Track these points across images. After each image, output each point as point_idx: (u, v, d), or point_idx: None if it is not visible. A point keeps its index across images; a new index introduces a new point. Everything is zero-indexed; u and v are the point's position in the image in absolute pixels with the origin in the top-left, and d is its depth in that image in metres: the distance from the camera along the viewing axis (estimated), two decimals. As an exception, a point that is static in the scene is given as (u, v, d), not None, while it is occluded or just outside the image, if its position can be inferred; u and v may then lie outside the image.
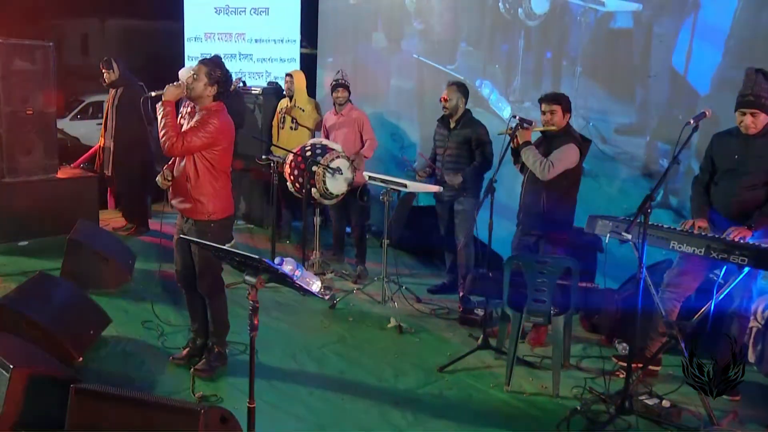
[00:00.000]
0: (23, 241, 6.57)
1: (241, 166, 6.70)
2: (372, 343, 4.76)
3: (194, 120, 3.85)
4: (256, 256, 2.59)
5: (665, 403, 3.80)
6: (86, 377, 3.92)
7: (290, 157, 5.79)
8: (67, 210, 6.66)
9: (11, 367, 3.19)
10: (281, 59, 7.89)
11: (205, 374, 4.12)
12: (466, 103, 5.38)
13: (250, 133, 6.60)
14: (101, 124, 12.34)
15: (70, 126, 11.17)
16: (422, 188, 5.31)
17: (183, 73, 6.91)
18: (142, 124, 6.86)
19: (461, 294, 5.50)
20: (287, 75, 6.77)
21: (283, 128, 6.69)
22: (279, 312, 5.29)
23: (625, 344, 4.67)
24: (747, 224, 3.78)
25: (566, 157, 4.53)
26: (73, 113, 11.68)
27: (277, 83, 7.39)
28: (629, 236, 3.77)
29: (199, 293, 4.25)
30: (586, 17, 5.60)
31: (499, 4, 6.41)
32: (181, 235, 3.30)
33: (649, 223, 3.63)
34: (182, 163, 3.93)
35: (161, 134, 3.80)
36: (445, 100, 5.34)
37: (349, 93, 6.17)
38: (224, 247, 2.73)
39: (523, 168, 4.80)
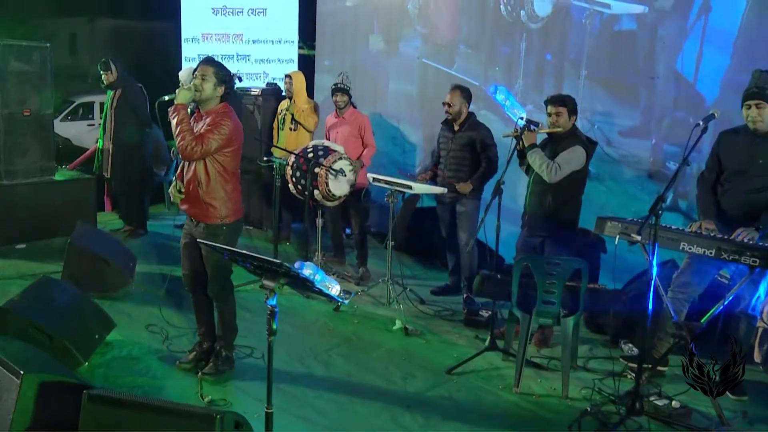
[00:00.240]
0: (20, 244, 6.49)
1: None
2: (378, 346, 4.75)
3: (205, 123, 3.81)
4: (278, 261, 2.56)
5: (675, 404, 3.81)
6: (93, 382, 3.90)
7: (292, 158, 5.77)
8: (64, 212, 6.59)
9: (22, 373, 3.14)
10: (279, 60, 7.85)
11: (213, 378, 4.09)
12: (469, 107, 5.38)
13: (250, 134, 6.55)
14: (92, 125, 12.38)
15: (60, 127, 11.06)
16: (426, 190, 5.31)
17: (183, 75, 6.88)
18: (141, 126, 6.86)
19: (465, 295, 5.50)
20: (286, 76, 6.74)
21: (282, 129, 6.66)
22: (283, 314, 5.15)
23: (630, 345, 4.68)
24: (755, 225, 3.80)
25: (573, 159, 4.53)
26: (63, 114, 11.58)
27: (275, 84, 7.35)
28: (639, 238, 3.80)
29: (207, 297, 4.22)
30: (591, 19, 5.60)
31: (501, 6, 6.41)
32: (199, 240, 3.25)
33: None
34: (192, 167, 3.89)
35: (178, 138, 3.75)
36: (449, 105, 5.33)
37: (350, 97, 6.15)
38: (245, 251, 2.70)
39: (529, 170, 4.80)
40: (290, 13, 7.89)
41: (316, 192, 5.59)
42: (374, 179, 5.38)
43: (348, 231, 6.76)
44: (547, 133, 4.69)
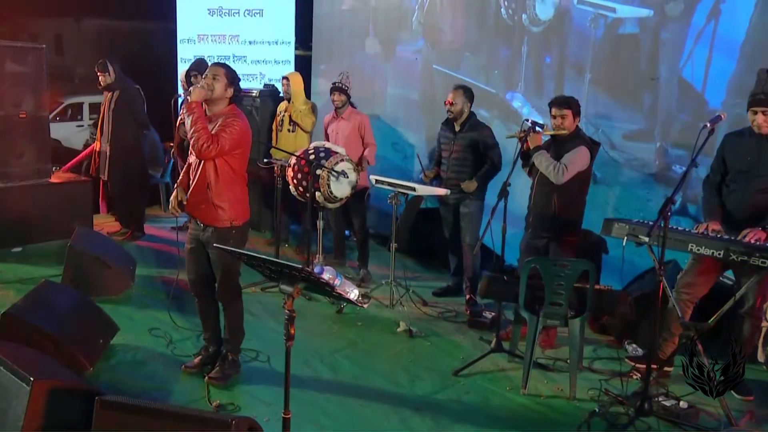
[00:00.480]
0: (17, 248, 6.43)
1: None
2: (384, 348, 4.74)
3: (216, 124, 3.78)
4: (299, 266, 2.55)
5: (683, 404, 3.83)
6: (98, 387, 3.85)
7: (293, 160, 5.74)
8: (60, 215, 6.55)
9: (32, 379, 3.10)
10: (276, 61, 7.82)
11: (220, 382, 4.07)
12: (471, 107, 5.38)
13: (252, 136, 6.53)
14: (81, 126, 12.28)
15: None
16: (430, 191, 5.30)
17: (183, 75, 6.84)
18: (139, 128, 6.81)
19: (468, 296, 5.50)
20: (284, 78, 6.72)
21: (281, 131, 6.64)
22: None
23: (635, 345, 4.71)
24: (761, 225, 3.83)
25: (578, 159, 4.55)
26: (51, 115, 11.46)
27: (273, 85, 7.32)
28: (647, 239, 3.81)
29: (214, 301, 4.20)
30: (595, 23, 5.61)
31: (501, 10, 6.42)
32: (216, 245, 3.22)
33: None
34: (200, 170, 3.86)
35: (193, 136, 3.71)
36: (451, 104, 5.33)
37: (348, 97, 6.13)
38: (264, 256, 2.68)
39: (531, 171, 4.82)
40: (287, 14, 7.87)
41: (317, 194, 5.57)
42: (377, 181, 5.37)
43: (347, 233, 6.74)
44: (551, 135, 4.70)
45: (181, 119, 6.78)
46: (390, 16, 7.61)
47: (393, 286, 5.40)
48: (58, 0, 11.22)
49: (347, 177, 5.57)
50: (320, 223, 5.96)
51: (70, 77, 13.58)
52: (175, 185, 4.11)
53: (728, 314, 3.94)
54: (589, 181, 4.75)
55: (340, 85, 5.99)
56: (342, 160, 5.60)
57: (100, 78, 6.59)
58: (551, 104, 4.70)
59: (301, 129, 6.58)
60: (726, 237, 3.80)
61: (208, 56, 7.67)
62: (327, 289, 2.58)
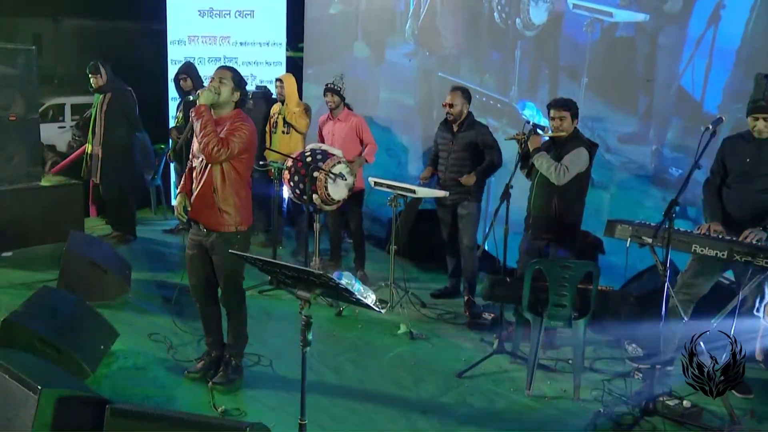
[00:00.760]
0: (6, 252, 6.34)
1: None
2: (386, 350, 4.74)
3: (224, 128, 3.75)
4: (319, 271, 2.54)
5: (686, 403, 3.87)
6: (101, 394, 3.81)
7: (289, 162, 5.72)
8: (51, 219, 6.48)
9: (39, 388, 3.06)
10: (267, 62, 7.77)
11: (224, 387, 4.04)
12: (469, 107, 5.40)
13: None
14: (63, 127, 12.12)
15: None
16: (429, 193, 5.31)
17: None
18: (131, 130, 6.75)
19: (467, 298, 5.52)
20: (277, 80, 6.70)
21: (275, 133, 6.61)
22: (285, 320, 5.21)
23: (634, 345, 4.74)
24: (761, 225, 3.88)
25: (578, 160, 4.59)
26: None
27: (266, 87, 7.29)
28: (650, 240, 3.85)
29: (215, 306, 4.18)
30: (591, 27, 5.65)
31: (494, 14, 6.44)
32: (231, 251, 3.19)
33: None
34: (206, 174, 3.82)
35: (203, 139, 3.67)
36: (450, 106, 5.34)
37: (342, 98, 6.11)
38: (281, 262, 2.67)
39: (530, 173, 4.84)
40: (278, 15, 7.82)
41: (315, 196, 5.55)
42: (376, 183, 5.36)
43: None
44: (550, 137, 4.73)
45: (177, 122, 6.79)
46: (378, 20, 7.60)
47: (393, 288, 5.39)
48: (37, -1, 11.06)
49: (345, 179, 5.56)
50: (317, 226, 5.95)
51: (49, 78, 13.39)
52: (178, 191, 4.07)
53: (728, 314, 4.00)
54: (588, 182, 4.79)
55: (332, 86, 5.97)
56: (339, 162, 5.59)
57: (91, 80, 6.51)
58: (550, 106, 4.73)
59: (296, 131, 6.56)
60: (728, 238, 3.85)
61: (199, 58, 7.62)
62: (345, 294, 2.57)
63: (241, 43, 7.82)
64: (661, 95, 5.35)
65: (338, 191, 5.61)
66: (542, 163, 4.62)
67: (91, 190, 7.52)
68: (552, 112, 4.68)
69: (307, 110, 6.59)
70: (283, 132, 6.59)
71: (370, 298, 2.56)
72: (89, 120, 8.56)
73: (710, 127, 3.72)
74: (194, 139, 3.85)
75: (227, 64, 3.98)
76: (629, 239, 3.93)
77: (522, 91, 6.36)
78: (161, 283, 5.89)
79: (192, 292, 4.18)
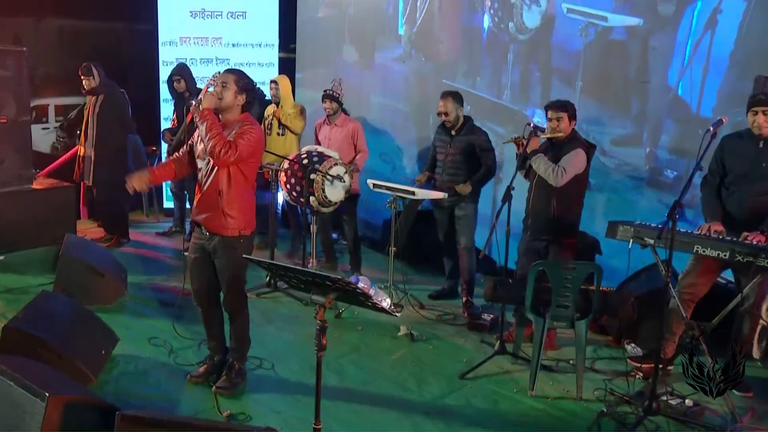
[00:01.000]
0: (-1, 256, 6.27)
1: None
2: (387, 352, 4.74)
3: (232, 132, 3.73)
4: (337, 276, 2.53)
5: (688, 402, 3.92)
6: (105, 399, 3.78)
7: (285, 164, 5.71)
8: (44, 222, 6.39)
9: (47, 395, 3.03)
10: (259, 64, 7.74)
11: (228, 392, 4.02)
12: (462, 110, 5.41)
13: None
14: (47, 128, 11.98)
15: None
16: (427, 195, 5.31)
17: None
18: (124, 132, 6.70)
19: (465, 299, 5.54)
20: (272, 82, 6.68)
21: (270, 135, 6.58)
22: (285, 323, 5.21)
23: (634, 344, 4.78)
24: (759, 229, 3.93)
25: (576, 162, 4.62)
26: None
27: (259, 88, 7.24)
28: (652, 241, 3.90)
29: (218, 310, 4.15)
30: (585, 31, 5.69)
31: (487, 18, 6.46)
32: (245, 256, 3.16)
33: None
34: (212, 177, 3.79)
35: (210, 142, 3.64)
36: (445, 114, 5.35)
37: (340, 104, 6.10)
38: (296, 266, 2.66)
39: (528, 174, 4.86)
40: (270, 16, 7.79)
41: (312, 198, 5.55)
42: (374, 185, 5.36)
43: (334, 235, 6.71)
44: (548, 138, 4.76)
45: (173, 124, 6.74)
46: (367, 23, 7.60)
47: (392, 289, 5.39)
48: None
49: (342, 181, 5.56)
50: (314, 228, 5.94)
51: (31, 78, 13.19)
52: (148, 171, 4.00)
53: (728, 313, 4.04)
54: (587, 184, 4.82)
55: (331, 92, 5.97)
56: (336, 164, 5.59)
57: (84, 82, 6.45)
58: (547, 107, 4.76)
59: (291, 132, 6.54)
60: (729, 238, 3.89)
61: (191, 59, 7.57)
62: (361, 298, 2.56)
63: (233, 45, 7.79)
64: (655, 98, 5.40)
65: (335, 193, 5.61)
66: (540, 164, 4.65)
67: (82, 192, 7.44)
68: (549, 113, 4.71)
69: (302, 112, 6.58)
70: (278, 134, 6.58)
71: (386, 302, 2.56)
72: (74, 121, 8.56)
73: (711, 128, 3.76)
74: (199, 141, 3.83)
75: (233, 67, 3.95)
76: (631, 240, 3.96)
77: (515, 95, 6.39)
78: (157, 287, 5.85)
79: (194, 296, 4.16)
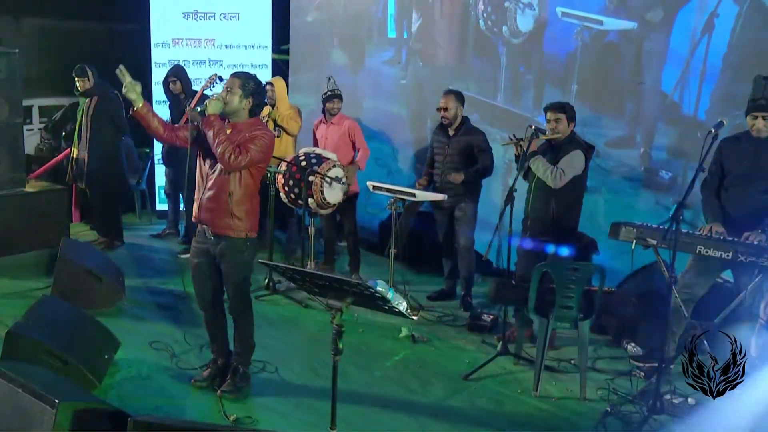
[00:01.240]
0: (-8, 260, 6.19)
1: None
2: (389, 354, 4.75)
3: (241, 136, 3.72)
4: (353, 280, 2.53)
5: (691, 401, 3.96)
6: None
7: (283, 166, 5.70)
8: (37, 225, 6.32)
9: (56, 401, 3.00)
10: (253, 65, 7.68)
11: (233, 396, 4.01)
12: (462, 110, 5.44)
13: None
14: (31, 129, 11.83)
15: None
16: (428, 197, 5.33)
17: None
18: (118, 135, 6.64)
19: (463, 293, 5.57)
20: (267, 83, 6.64)
21: (266, 136, 6.55)
22: (285, 325, 5.20)
23: (633, 344, 4.83)
24: (760, 228, 3.97)
25: (574, 163, 4.66)
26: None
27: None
28: (654, 242, 3.94)
29: (222, 314, 4.14)
30: (581, 35, 5.73)
31: (480, 21, 6.48)
32: (261, 261, 3.14)
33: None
34: (220, 179, 3.77)
35: (219, 149, 3.63)
36: (445, 109, 5.37)
37: (342, 100, 6.12)
38: (313, 271, 2.66)
39: (527, 175, 4.89)
40: (263, 17, 7.76)
41: (310, 200, 5.54)
42: (374, 187, 5.36)
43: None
44: (548, 140, 4.79)
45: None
46: (356, 27, 7.58)
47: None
48: None
49: (341, 183, 5.56)
50: (312, 230, 5.93)
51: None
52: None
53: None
54: (585, 185, 4.86)
55: (338, 91, 5.98)
56: (334, 166, 5.59)
57: (78, 83, 6.39)
58: (546, 109, 4.80)
59: (287, 134, 6.52)
60: (731, 239, 3.94)
61: (183, 60, 7.51)
62: (379, 302, 2.57)
63: (226, 46, 7.74)
64: (649, 100, 5.46)
65: (334, 195, 5.61)
66: (539, 166, 4.68)
67: (74, 194, 7.37)
68: (548, 114, 4.75)
69: (299, 113, 6.56)
70: (275, 135, 6.54)
71: (403, 306, 2.57)
72: (58, 122, 8.46)
73: (712, 130, 3.80)
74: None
75: (239, 71, 3.92)
76: (634, 241, 4.00)
77: (508, 98, 6.42)
78: (154, 290, 5.81)
79: (198, 301, 4.14)
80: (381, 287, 2.55)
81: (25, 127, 11.88)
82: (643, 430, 3.76)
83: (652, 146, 5.47)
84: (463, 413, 3.98)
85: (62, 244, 5.28)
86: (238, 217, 3.79)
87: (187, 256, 6.39)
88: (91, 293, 5.11)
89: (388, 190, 5.27)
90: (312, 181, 5.49)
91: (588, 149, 4.81)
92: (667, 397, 3.99)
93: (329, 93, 5.98)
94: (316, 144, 6.19)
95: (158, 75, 7.51)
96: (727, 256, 3.80)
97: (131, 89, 3.67)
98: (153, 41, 7.68)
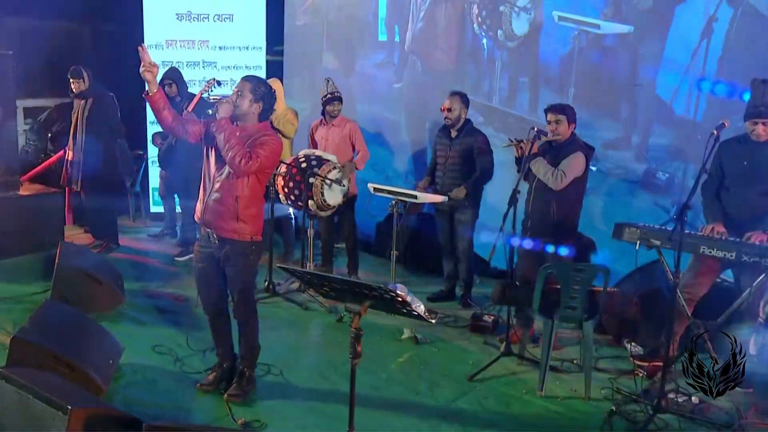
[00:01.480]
0: (-14, 264, 6.12)
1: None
2: (394, 356, 4.76)
3: (250, 140, 3.71)
4: (373, 284, 2.54)
5: (694, 399, 4.00)
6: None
7: (282, 168, 5.69)
8: (31, 228, 6.30)
9: (69, 408, 2.98)
10: (247, 67, 7.67)
11: (239, 399, 4.00)
12: (467, 113, 5.46)
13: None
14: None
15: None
16: (428, 199, 5.34)
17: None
18: (114, 137, 6.59)
19: (463, 293, 5.59)
20: (263, 84, 6.63)
21: (262, 138, 6.54)
22: (286, 328, 5.19)
23: (634, 343, 4.87)
24: (761, 228, 4.04)
25: (575, 165, 4.69)
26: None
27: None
28: (658, 242, 3.99)
29: (227, 317, 4.13)
30: (578, 39, 5.77)
31: (474, 25, 6.51)
32: (279, 265, 3.12)
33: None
34: (228, 181, 3.76)
35: (228, 153, 3.62)
36: (448, 110, 5.39)
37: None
38: (332, 275, 2.66)
39: (528, 176, 4.92)
40: (257, 18, 7.74)
41: (310, 202, 5.54)
42: (375, 189, 5.36)
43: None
44: (548, 141, 4.82)
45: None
46: (347, 31, 7.58)
47: (394, 293, 5.40)
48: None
49: (342, 185, 5.56)
50: (311, 232, 5.93)
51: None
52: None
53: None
54: (585, 186, 4.90)
55: (339, 94, 5.98)
56: (334, 168, 5.59)
57: (72, 85, 6.33)
58: (547, 110, 4.83)
59: (284, 136, 6.49)
60: (733, 239, 4.00)
61: (177, 62, 7.47)
62: (399, 306, 2.58)
63: (220, 47, 7.72)
64: (646, 102, 5.52)
65: (334, 196, 5.61)
66: (539, 168, 4.71)
67: (67, 197, 7.30)
68: (548, 116, 4.77)
69: (296, 115, 6.55)
70: (281, 141, 6.53)
71: (421, 308, 2.58)
72: (44, 123, 8.36)
73: (714, 131, 3.85)
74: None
75: (251, 75, 3.92)
76: (638, 242, 4.05)
77: (502, 100, 6.45)
78: (153, 293, 5.78)
79: (203, 305, 4.12)
80: (402, 291, 2.55)
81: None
82: (649, 429, 3.80)
83: (649, 148, 5.52)
84: (472, 414, 4.00)
85: (61, 248, 5.23)
86: (244, 221, 3.78)
87: (184, 258, 6.51)
88: (91, 297, 5.06)
89: (390, 192, 5.28)
90: (312, 183, 5.49)
91: (588, 150, 4.85)
92: (671, 395, 4.03)
93: (329, 95, 5.97)
94: (314, 146, 6.18)
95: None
96: (731, 256, 3.86)
97: (149, 70, 3.61)
98: (146, 42, 7.54)
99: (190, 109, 6.00)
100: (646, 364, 4.54)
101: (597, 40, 5.75)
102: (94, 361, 3.95)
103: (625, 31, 5.56)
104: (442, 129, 5.57)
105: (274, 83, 6.57)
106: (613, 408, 3.99)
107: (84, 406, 3.09)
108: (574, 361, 4.66)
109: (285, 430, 3.79)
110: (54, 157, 7.35)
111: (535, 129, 4.63)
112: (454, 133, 5.47)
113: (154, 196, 7.89)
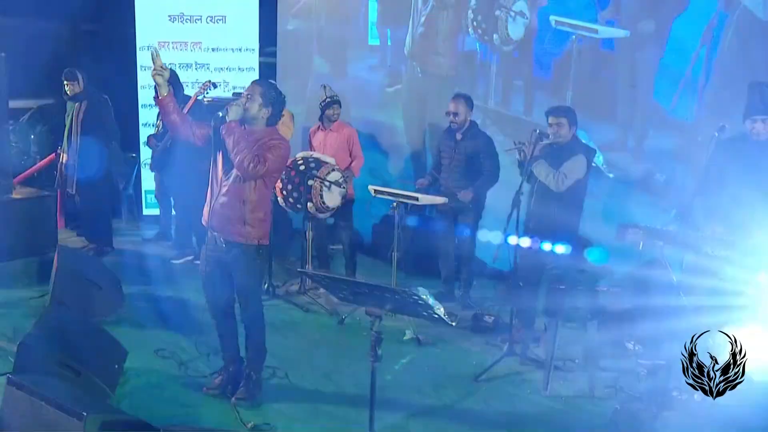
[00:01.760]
0: (-21, 269, 6.03)
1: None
2: (397, 357, 4.76)
3: (260, 142, 3.71)
4: (396, 287, 2.56)
5: (697, 397, 4.05)
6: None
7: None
8: (25, 232, 6.17)
9: (84, 414, 2.96)
10: (240, 68, 7.66)
11: (247, 403, 4.00)
12: (471, 115, 5.49)
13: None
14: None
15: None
16: (430, 200, 5.37)
17: None
18: (108, 139, 6.54)
19: (462, 292, 5.63)
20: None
21: (259, 140, 6.53)
22: (288, 330, 5.20)
23: (634, 342, 4.92)
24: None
25: (576, 167, 4.74)
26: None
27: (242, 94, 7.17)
28: (661, 243, 4.05)
29: (233, 321, 4.13)
30: (575, 43, 5.83)
31: (470, 30, 6.54)
32: (300, 270, 3.13)
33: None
34: (236, 185, 3.76)
35: (237, 156, 3.62)
36: (454, 114, 5.41)
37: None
38: (353, 279, 2.67)
39: (530, 179, 4.96)
40: (250, 20, 7.71)
41: (309, 204, 5.54)
42: (376, 191, 5.38)
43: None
44: (548, 143, 4.86)
45: (157, 130, 6.58)
46: (338, 35, 7.59)
47: (395, 294, 5.42)
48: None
49: (340, 187, 5.57)
50: (309, 234, 5.93)
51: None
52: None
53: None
54: (586, 188, 4.95)
55: (337, 97, 5.98)
56: (333, 170, 5.60)
57: (66, 87, 6.27)
58: (548, 113, 4.87)
59: (282, 139, 6.49)
60: (733, 239, 4.06)
61: (170, 64, 7.40)
62: (420, 308, 2.60)
63: (212, 49, 7.68)
64: (643, 106, 5.58)
65: (332, 199, 5.61)
66: (541, 170, 4.75)
67: (59, 200, 7.22)
68: (550, 119, 4.82)
69: (292, 118, 6.55)
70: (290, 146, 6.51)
71: (441, 311, 2.60)
72: (27, 125, 8.26)
73: (716, 134, 3.93)
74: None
75: (261, 79, 3.93)
76: (641, 242, 4.10)
77: (497, 103, 6.50)
78: (150, 296, 5.74)
79: (210, 309, 4.12)
80: (423, 294, 2.57)
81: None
82: (654, 427, 3.85)
83: (647, 151, 5.59)
84: (480, 415, 4.04)
85: (59, 252, 5.18)
86: (251, 225, 3.79)
87: (180, 261, 6.48)
88: (91, 302, 5.02)
89: (391, 194, 5.29)
90: (311, 185, 5.49)
91: (589, 153, 4.90)
92: (674, 393, 4.09)
93: (328, 99, 5.97)
94: (311, 150, 6.16)
95: (144, 78, 7.41)
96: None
97: (159, 74, 3.60)
98: (138, 44, 7.57)
99: (185, 110, 5.96)
100: (647, 362, 4.58)
101: (594, 44, 5.80)
102: (98, 367, 3.92)
103: (621, 35, 5.62)
104: (447, 130, 5.60)
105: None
106: (617, 406, 4.03)
107: (98, 412, 3.07)
108: (576, 361, 4.70)
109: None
110: (46, 160, 7.27)
111: (537, 131, 4.67)
112: (459, 136, 5.49)
113: (146, 198, 7.83)
